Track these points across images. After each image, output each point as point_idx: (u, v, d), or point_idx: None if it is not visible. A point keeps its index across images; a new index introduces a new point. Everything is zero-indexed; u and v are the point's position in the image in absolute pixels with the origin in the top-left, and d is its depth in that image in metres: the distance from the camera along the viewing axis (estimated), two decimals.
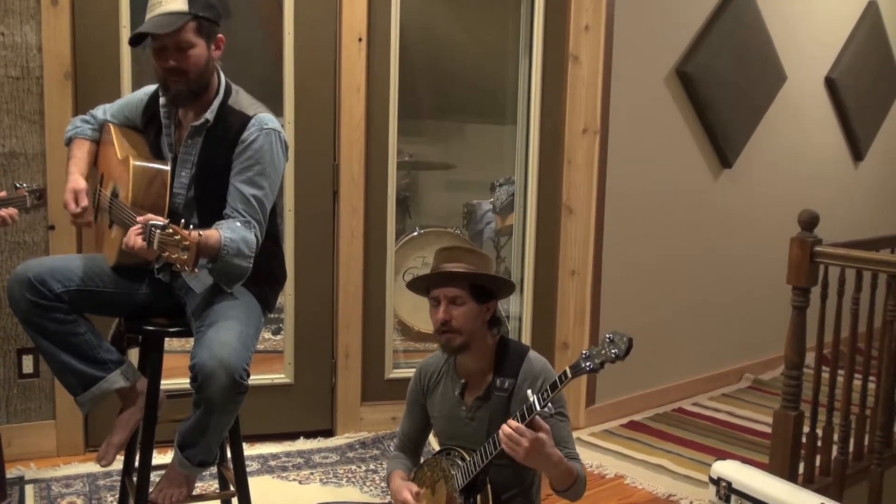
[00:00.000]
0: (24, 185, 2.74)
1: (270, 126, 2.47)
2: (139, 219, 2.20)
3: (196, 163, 2.50)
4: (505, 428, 2.12)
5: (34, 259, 2.55)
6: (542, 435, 2.11)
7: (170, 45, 2.38)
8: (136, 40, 2.41)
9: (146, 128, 2.61)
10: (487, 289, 2.35)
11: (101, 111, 2.70)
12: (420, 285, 2.40)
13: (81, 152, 2.63)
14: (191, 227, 2.16)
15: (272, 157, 2.46)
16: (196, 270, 2.18)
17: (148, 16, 2.40)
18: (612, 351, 2.05)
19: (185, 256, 2.11)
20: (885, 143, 6.21)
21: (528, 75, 4.20)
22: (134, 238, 2.18)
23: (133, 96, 2.70)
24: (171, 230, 2.11)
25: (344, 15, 3.77)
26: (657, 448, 4.10)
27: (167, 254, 2.12)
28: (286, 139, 2.53)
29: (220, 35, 2.48)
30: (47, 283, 2.40)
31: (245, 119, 2.46)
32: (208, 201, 2.48)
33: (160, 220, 2.15)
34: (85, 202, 2.50)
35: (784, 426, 3.45)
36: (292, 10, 3.72)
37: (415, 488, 2.42)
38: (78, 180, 2.53)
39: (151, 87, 2.63)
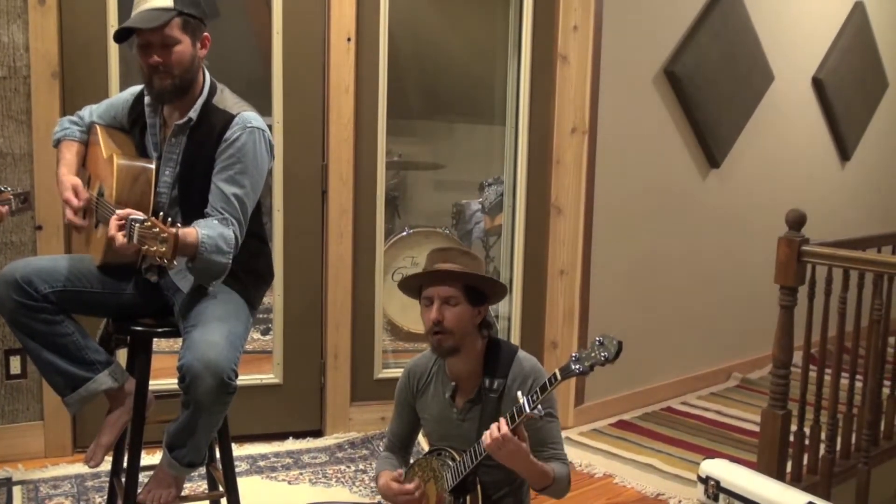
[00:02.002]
0: (9, 188, 2.72)
1: (254, 125, 2.46)
2: (119, 212, 2.19)
3: (180, 161, 2.49)
4: (494, 431, 2.14)
5: (20, 260, 2.53)
6: (524, 445, 2.16)
7: (155, 41, 2.37)
8: (121, 36, 2.40)
9: (132, 127, 2.61)
10: (481, 291, 2.35)
11: (88, 112, 2.69)
12: (413, 284, 2.39)
13: (70, 154, 2.61)
14: (168, 220, 2.15)
15: (255, 155, 2.45)
16: (175, 263, 2.17)
17: (133, 12, 2.40)
18: (602, 354, 2.06)
19: (164, 248, 2.11)
20: (871, 143, 6.24)
21: (516, 75, 4.20)
22: (114, 231, 2.17)
23: (119, 97, 2.70)
24: (149, 223, 2.11)
25: (332, 15, 3.76)
26: (646, 447, 4.10)
27: (146, 247, 2.11)
28: (270, 138, 2.52)
29: (205, 34, 2.48)
30: (34, 283, 2.40)
31: (228, 118, 2.45)
32: (192, 200, 2.48)
33: (139, 215, 2.15)
34: (85, 196, 2.49)
35: (772, 425, 3.46)
36: (280, 10, 3.70)
37: (397, 474, 2.41)
38: (73, 178, 2.52)
39: (137, 88, 2.62)
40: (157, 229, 2.11)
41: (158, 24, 2.34)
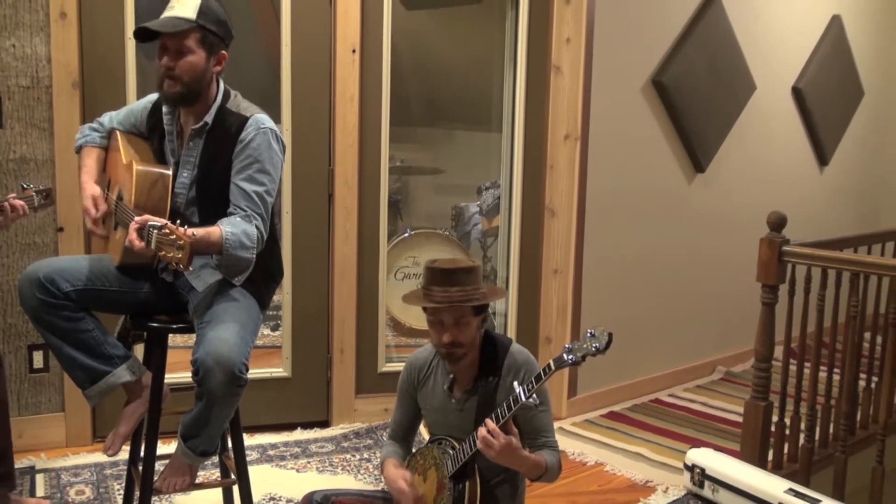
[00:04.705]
0: (31, 185, 2.72)
1: (267, 125, 2.47)
2: (137, 219, 2.19)
3: (197, 164, 2.49)
4: (481, 430, 2.17)
5: (43, 259, 2.53)
6: (512, 439, 2.16)
7: (170, 46, 2.39)
8: (141, 35, 2.40)
9: (150, 134, 2.61)
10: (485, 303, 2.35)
11: (108, 119, 2.69)
12: (418, 304, 2.37)
13: (91, 160, 2.62)
14: (185, 227, 2.15)
15: (270, 154, 2.45)
16: (191, 268, 2.17)
17: (162, 15, 2.41)
18: (594, 345, 2.06)
19: (181, 255, 2.10)
20: (848, 149, 6.24)
21: (512, 85, 4.20)
22: (133, 237, 2.18)
23: (138, 104, 2.70)
24: (167, 230, 2.11)
25: (338, 28, 3.76)
26: (635, 437, 4.10)
27: (163, 253, 2.11)
28: (283, 138, 2.54)
29: (223, 52, 2.48)
30: (56, 282, 2.40)
31: (242, 120, 2.46)
32: (209, 200, 2.48)
33: (158, 221, 2.14)
34: (104, 207, 2.51)
35: (754, 416, 3.47)
36: (289, 24, 3.71)
37: (408, 475, 2.41)
38: (94, 188, 2.53)
39: (154, 95, 2.63)
40: (174, 236, 2.10)
41: (175, 31, 2.37)
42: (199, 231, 2.24)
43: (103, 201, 2.51)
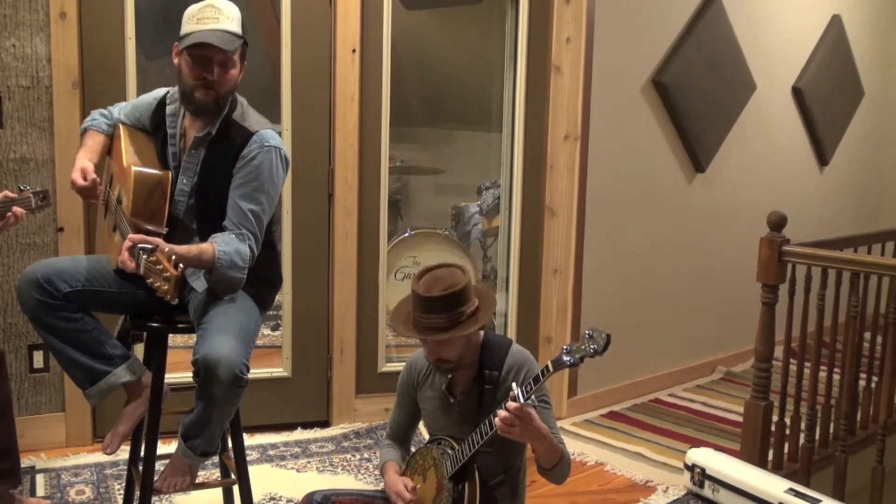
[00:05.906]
0: (28, 187, 2.71)
1: (272, 143, 2.44)
2: (131, 236, 2.17)
3: (198, 172, 2.48)
4: (500, 413, 2.11)
5: (42, 260, 2.53)
6: (527, 409, 2.11)
7: (217, 59, 2.38)
8: (196, 45, 2.37)
9: (154, 133, 2.59)
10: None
11: (117, 110, 2.68)
12: (407, 333, 2.35)
13: (94, 142, 2.60)
14: (173, 258, 2.10)
15: (271, 173, 2.44)
16: (176, 300, 2.14)
17: (199, 27, 2.37)
18: (591, 346, 2.05)
19: (167, 287, 2.07)
20: (848, 149, 6.23)
21: (512, 85, 4.19)
22: (125, 257, 2.16)
23: (144, 99, 2.67)
24: (155, 258, 2.08)
25: (338, 28, 3.75)
26: (635, 437, 4.10)
27: (150, 280, 2.08)
28: (287, 156, 2.50)
29: (245, 61, 2.51)
30: (54, 283, 2.39)
31: (247, 135, 2.43)
32: (208, 209, 2.47)
33: (149, 244, 2.12)
34: (93, 176, 2.46)
35: (754, 415, 3.46)
36: (289, 24, 3.70)
37: (410, 483, 2.40)
38: (86, 162, 2.49)
39: (161, 91, 2.61)
40: (161, 267, 2.07)
41: (232, 48, 2.38)
42: (193, 249, 2.27)
43: (93, 174, 2.48)
